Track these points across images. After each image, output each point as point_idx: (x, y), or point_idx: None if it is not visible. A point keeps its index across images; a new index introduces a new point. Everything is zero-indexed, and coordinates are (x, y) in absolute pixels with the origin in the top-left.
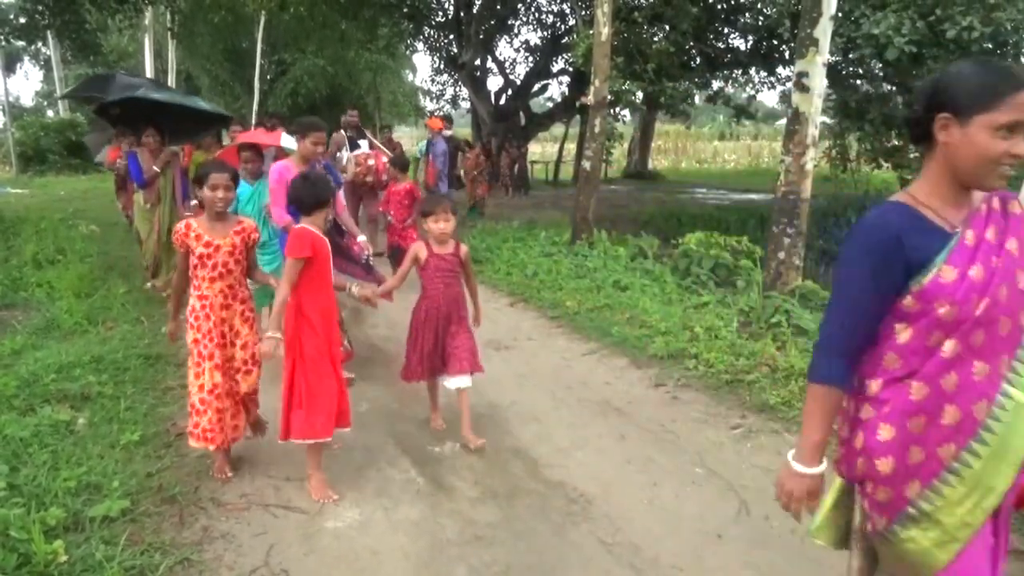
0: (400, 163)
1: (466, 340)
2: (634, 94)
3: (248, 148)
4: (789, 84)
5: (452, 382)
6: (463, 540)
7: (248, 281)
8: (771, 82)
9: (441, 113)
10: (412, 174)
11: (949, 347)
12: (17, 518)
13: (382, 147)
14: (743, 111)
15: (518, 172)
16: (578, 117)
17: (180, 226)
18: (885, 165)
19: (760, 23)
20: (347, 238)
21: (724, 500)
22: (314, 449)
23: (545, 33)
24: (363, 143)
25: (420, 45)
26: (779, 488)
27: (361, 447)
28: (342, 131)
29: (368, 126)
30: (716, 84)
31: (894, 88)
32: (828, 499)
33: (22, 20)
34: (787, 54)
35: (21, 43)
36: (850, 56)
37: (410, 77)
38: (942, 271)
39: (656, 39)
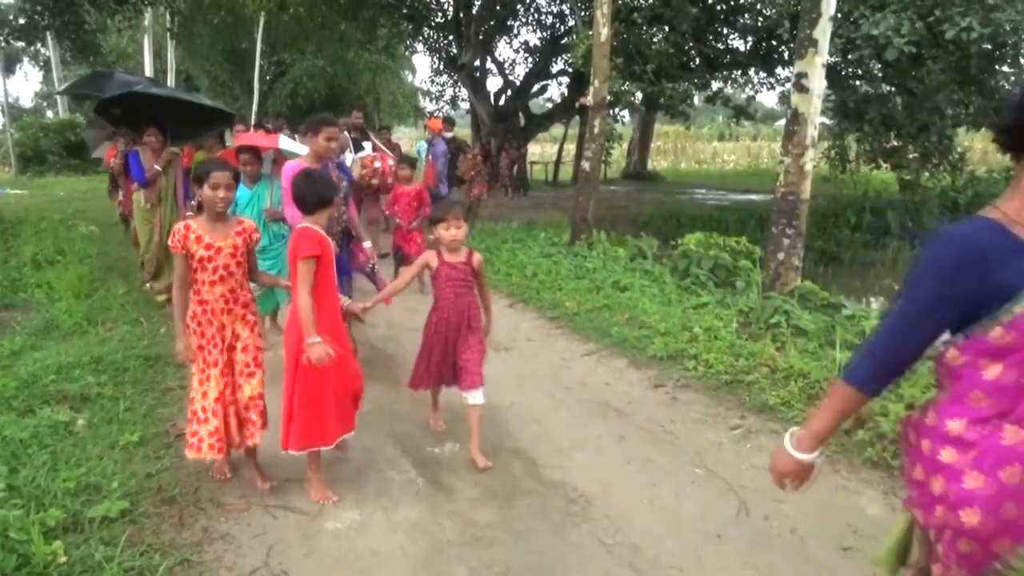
0: (410, 161)
1: (476, 353)
2: (633, 95)
3: (246, 151)
4: (788, 85)
5: (464, 395)
6: (463, 541)
7: (252, 285)
8: (770, 83)
9: (441, 114)
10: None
11: None
12: (16, 519)
13: (386, 149)
14: (742, 112)
15: (517, 173)
16: (577, 118)
17: (179, 227)
18: (884, 166)
19: (759, 24)
20: (353, 243)
21: (724, 500)
22: (314, 452)
23: (544, 34)
24: (367, 145)
25: (419, 46)
26: (771, 467)
27: (361, 447)
28: (346, 133)
29: (367, 127)
30: (715, 85)
31: (893, 89)
32: (896, 530)
33: (21, 21)
34: (786, 55)
35: (21, 44)
36: (849, 57)
37: (410, 78)
38: None
39: (655, 40)
